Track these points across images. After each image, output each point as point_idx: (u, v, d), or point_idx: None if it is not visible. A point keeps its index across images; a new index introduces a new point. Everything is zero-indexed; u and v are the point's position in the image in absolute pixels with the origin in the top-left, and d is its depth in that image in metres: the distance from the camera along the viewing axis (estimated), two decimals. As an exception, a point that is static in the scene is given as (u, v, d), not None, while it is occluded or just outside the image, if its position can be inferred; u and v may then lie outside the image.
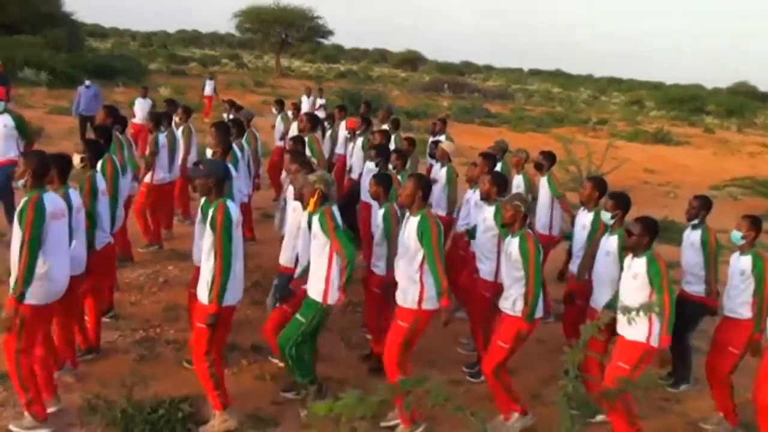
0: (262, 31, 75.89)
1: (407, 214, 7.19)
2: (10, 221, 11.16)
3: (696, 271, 8.39)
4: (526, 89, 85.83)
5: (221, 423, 6.64)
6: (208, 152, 10.51)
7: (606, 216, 7.76)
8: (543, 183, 10.95)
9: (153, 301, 9.81)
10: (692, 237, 8.56)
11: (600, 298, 7.58)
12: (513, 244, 7.14)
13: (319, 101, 23.37)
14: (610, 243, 7.75)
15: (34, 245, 6.04)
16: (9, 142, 11.20)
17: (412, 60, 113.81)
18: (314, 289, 7.12)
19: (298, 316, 7.14)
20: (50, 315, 6.69)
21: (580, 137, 32.84)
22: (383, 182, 8.34)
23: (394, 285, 7.37)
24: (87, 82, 20.98)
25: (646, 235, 6.78)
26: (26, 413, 6.39)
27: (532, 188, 10.88)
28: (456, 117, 37.82)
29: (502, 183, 8.58)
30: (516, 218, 7.15)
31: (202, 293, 6.58)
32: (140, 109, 19.33)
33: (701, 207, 8.64)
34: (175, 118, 13.54)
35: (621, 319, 6.56)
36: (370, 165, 10.94)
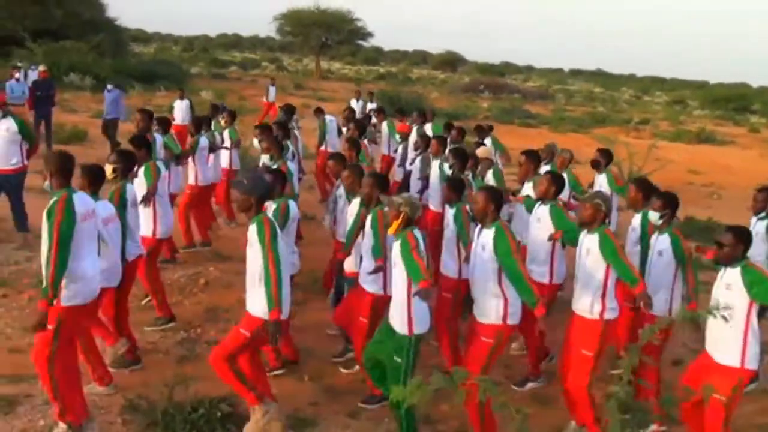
0: (302, 34, 76.19)
1: (479, 226, 6.92)
2: (20, 229, 11.39)
3: (762, 260, 8.13)
4: (567, 89, 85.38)
5: (263, 416, 6.51)
6: (264, 157, 10.64)
7: (654, 216, 7.58)
8: (602, 181, 11.19)
9: (194, 302, 9.89)
10: (758, 227, 8.71)
11: (656, 300, 7.10)
12: (591, 241, 6.94)
13: (370, 105, 22.39)
14: (661, 242, 7.61)
15: (64, 246, 5.98)
16: (13, 147, 11.27)
17: (451, 61, 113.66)
18: (397, 321, 6.70)
19: (394, 357, 6.67)
20: (87, 317, 6.62)
21: (622, 138, 32.53)
22: (457, 187, 8.53)
23: (465, 289, 7.45)
24: (109, 86, 20.66)
25: (740, 245, 6.35)
26: (60, 423, 6.29)
27: (576, 187, 10.95)
28: (496, 118, 37.64)
29: (560, 183, 8.50)
30: (596, 217, 6.96)
31: (250, 302, 6.46)
32: (179, 110, 19.78)
33: (766, 200, 8.87)
34: (221, 121, 13.93)
35: (711, 338, 6.45)
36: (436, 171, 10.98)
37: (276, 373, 7.87)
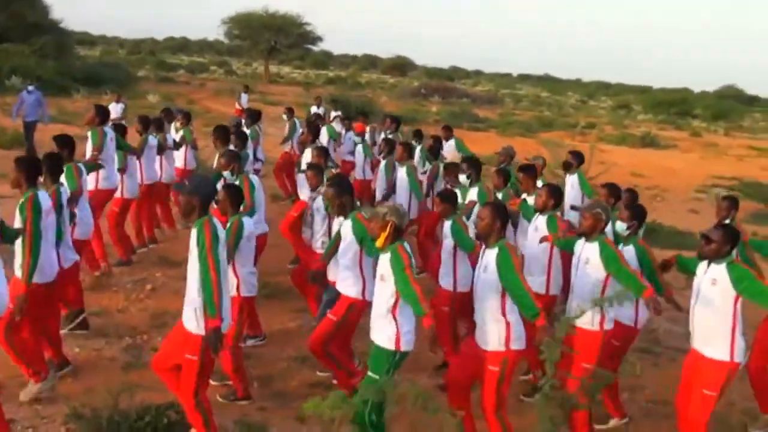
0: (250, 37, 75.66)
1: (483, 246, 6.55)
2: None
3: None
4: (515, 94, 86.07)
5: None
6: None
7: (621, 227, 7.54)
8: (572, 181, 11.35)
9: (140, 308, 9.80)
10: None
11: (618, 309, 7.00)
12: (591, 250, 6.86)
13: (334, 113, 21.83)
14: (625, 253, 7.47)
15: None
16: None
17: (401, 65, 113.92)
18: (382, 336, 6.37)
19: (369, 373, 6.40)
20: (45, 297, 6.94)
21: (568, 141, 32.82)
22: (449, 200, 8.52)
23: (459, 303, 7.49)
24: (30, 87, 20.31)
25: (727, 244, 6.38)
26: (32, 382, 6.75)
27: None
28: (444, 122, 37.51)
29: (558, 195, 8.48)
30: (596, 227, 6.90)
31: (187, 317, 6.13)
32: (114, 113, 19.47)
33: (730, 208, 8.96)
34: (176, 123, 14.23)
35: (698, 335, 6.50)
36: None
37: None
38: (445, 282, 8.38)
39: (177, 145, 13.60)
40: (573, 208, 10.42)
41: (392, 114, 19.10)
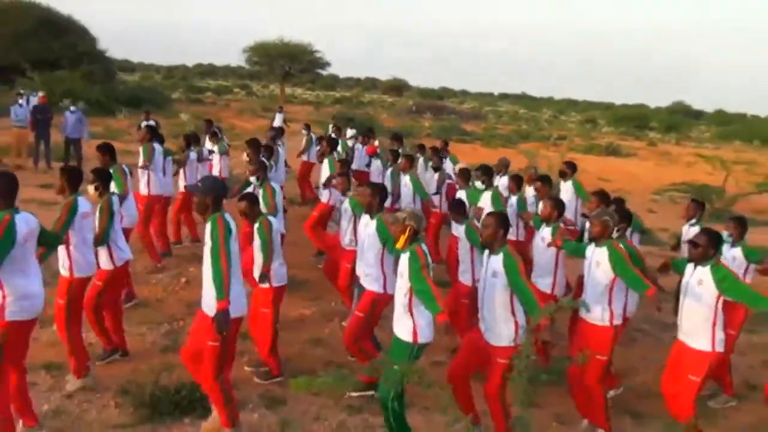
0: (268, 63, 75.71)
1: (487, 252, 6.35)
2: None
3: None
4: (496, 110, 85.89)
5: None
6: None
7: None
8: (567, 187, 11.28)
9: (176, 299, 9.83)
10: (691, 232, 8.82)
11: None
12: (600, 254, 6.68)
13: (350, 131, 21.11)
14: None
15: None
16: None
17: (398, 87, 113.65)
18: (402, 330, 6.20)
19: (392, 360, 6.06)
20: (29, 332, 5.91)
21: (543, 151, 32.79)
22: (460, 209, 8.58)
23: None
24: (72, 108, 20.36)
25: (711, 247, 6.32)
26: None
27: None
28: (436, 135, 37.68)
29: (561, 207, 8.37)
30: (604, 232, 6.72)
31: (207, 306, 6.00)
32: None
33: (697, 209, 9.30)
34: (210, 137, 14.75)
35: (685, 328, 6.45)
36: (461, 193, 10.71)
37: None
38: (465, 278, 8.37)
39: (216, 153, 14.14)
40: (584, 215, 10.46)
41: (397, 132, 19.03)
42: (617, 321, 6.70)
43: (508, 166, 12.72)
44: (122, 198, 8.64)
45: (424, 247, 6.15)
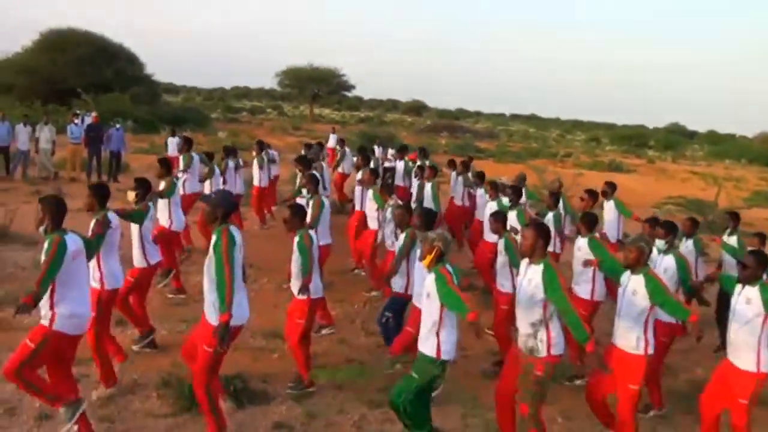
0: (298, 86, 76.20)
1: (526, 261, 5.94)
2: None
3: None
4: (508, 130, 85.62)
5: None
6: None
7: (660, 243, 7.54)
8: (610, 206, 11.58)
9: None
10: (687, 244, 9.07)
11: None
12: (637, 281, 6.10)
13: (391, 151, 20.76)
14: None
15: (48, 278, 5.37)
16: None
17: (417, 108, 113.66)
18: (427, 346, 5.91)
19: (412, 372, 5.94)
20: (69, 347, 5.79)
21: (551, 167, 32.79)
22: (502, 220, 8.45)
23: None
24: (117, 126, 20.86)
25: (760, 267, 6.01)
26: (60, 409, 5.70)
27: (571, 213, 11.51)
28: (452, 152, 37.72)
29: (592, 220, 8.24)
30: (640, 260, 6.13)
31: (210, 314, 5.78)
32: (171, 145, 20.24)
33: (693, 226, 9.23)
34: (253, 153, 15.48)
35: (732, 347, 6.08)
36: (492, 204, 10.92)
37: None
38: (505, 288, 8.12)
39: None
40: (620, 242, 10.62)
41: (423, 147, 19.24)
42: (651, 350, 6.11)
43: (525, 180, 13.00)
44: (162, 196, 9.78)
45: (448, 266, 5.93)
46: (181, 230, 10.68)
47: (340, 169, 18.06)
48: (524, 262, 5.99)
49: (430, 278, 5.87)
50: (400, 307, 7.96)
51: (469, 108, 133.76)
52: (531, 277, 5.78)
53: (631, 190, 27.95)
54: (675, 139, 74.28)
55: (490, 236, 10.44)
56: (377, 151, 18.40)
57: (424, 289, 5.99)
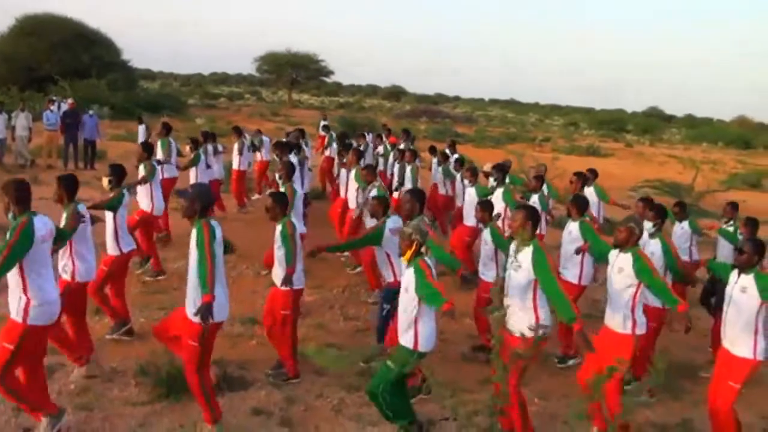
0: (276, 72, 76.04)
1: (515, 242, 5.99)
2: None
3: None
4: (487, 114, 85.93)
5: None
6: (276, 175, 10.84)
7: (648, 225, 7.50)
8: (590, 192, 11.64)
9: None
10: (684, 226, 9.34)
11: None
12: (624, 260, 6.21)
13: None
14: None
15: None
16: None
17: (396, 93, 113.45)
18: (405, 338, 5.85)
19: (388, 362, 5.88)
20: (46, 337, 5.82)
21: (529, 152, 32.93)
22: (489, 208, 8.36)
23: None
24: (90, 112, 20.80)
25: (756, 254, 5.95)
26: (42, 419, 5.64)
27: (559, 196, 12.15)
28: (431, 137, 37.79)
29: (583, 203, 8.30)
30: (630, 239, 6.24)
31: (190, 309, 5.74)
32: (140, 132, 20.47)
33: (682, 209, 9.54)
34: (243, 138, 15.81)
35: (728, 335, 6.04)
36: (471, 190, 11.05)
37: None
38: (488, 276, 8.10)
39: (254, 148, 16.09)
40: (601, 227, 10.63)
41: (406, 129, 19.55)
42: (639, 330, 6.20)
43: (510, 166, 13.07)
44: (143, 182, 9.97)
45: (427, 260, 5.83)
46: (161, 215, 10.66)
47: (327, 153, 18.20)
48: (513, 245, 6.03)
49: (410, 272, 5.79)
50: (393, 296, 7.93)
51: (448, 93, 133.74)
52: (521, 259, 5.82)
53: (609, 174, 28.07)
54: (653, 123, 75.11)
55: (470, 220, 10.68)
56: (368, 137, 18.33)
57: (403, 282, 5.89)
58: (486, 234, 8.16)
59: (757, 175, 30.95)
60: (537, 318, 5.78)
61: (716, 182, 25.58)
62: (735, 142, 57.24)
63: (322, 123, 25.97)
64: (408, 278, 5.79)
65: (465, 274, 7.29)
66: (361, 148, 14.67)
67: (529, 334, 5.68)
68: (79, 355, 6.82)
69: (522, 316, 5.79)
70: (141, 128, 20.58)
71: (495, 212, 8.73)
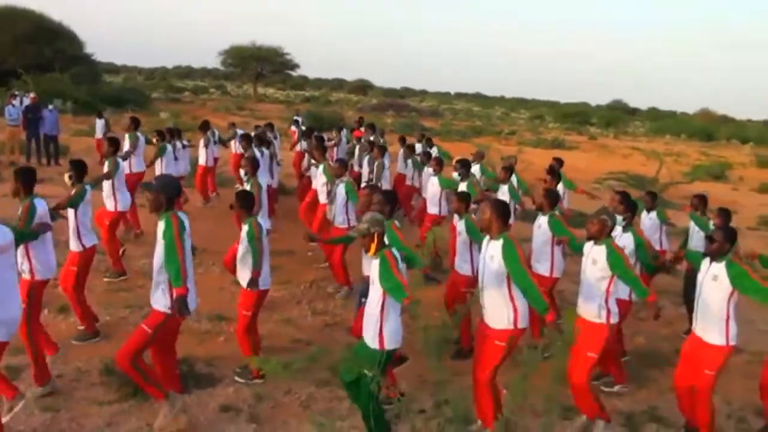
0: (241, 65, 75.43)
1: (487, 237, 6.02)
2: None
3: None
4: (453, 108, 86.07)
5: (169, 411, 5.92)
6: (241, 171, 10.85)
7: (618, 219, 7.43)
8: (559, 187, 11.50)
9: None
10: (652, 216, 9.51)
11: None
12: (598, 252, 6.28)
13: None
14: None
15: None
16: None
17: (362, 87, 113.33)
18: (370, 336, 5.65)
19: (365, 371, 5.45)
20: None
21: (495, 145, 33.14)
22: (465, 199, 8.33)
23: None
24: (50, 107, 20.48)
25: (727, 243, 6.01)
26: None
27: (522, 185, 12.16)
28: (398, 131, 37.76)
29: (554, 197, 8.32)
30: (603, 231, 6.31)
31: (159, 300, 5.72)
32: (98, 127, 20.47)
33: (653, 200, 9.67)
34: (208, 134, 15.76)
35: (700, 322, 6.12)
36: (434, 179, 11.60)
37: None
38: (463, 269, 8.08)
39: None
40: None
41: (371, 123, 19.51)
42: (614, 319, 6.31)
43: (483, 157, 13.58)
44: (108, 177, 9.76)
45: (393, 251, 5.65)
46: (127, 210, 10.51)
47: (298, 148, 18.07)
48: (486, 238, 6.06)
49: (375, 263, 5.62)
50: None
51: (415, 87, 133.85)
52: (492, 252, 5.85)
53: (574, 166, 28.34)
54: (617, 116, 75.86)
55: (433, 208, 11.26)
56: (343, 132, 18.35)
57: (371, 275, 5.72)
58: (461, 225, 8.16)
59: (720, 167, 31.44)
60: (515, 309, 5.80)
61: (680, 174, 25.91)
62: (698, 134, 58.08)
63: (294, 118, 26.01)
64: (374, 270, 5.63)
65: (429, 273, 7.20)
66: (333, 142, 14.81)
67: (506, 325, 5.75)
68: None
69: (499, 308, 5.81)
70: (99, 123, 20.40)
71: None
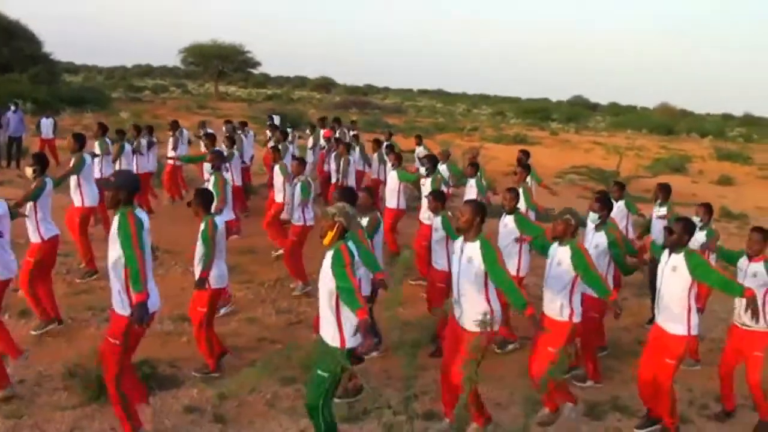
0: (202, 63, 74.71)
1: (462, 238, 5.98)
2: None
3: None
4: (416, 105, 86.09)
5: None
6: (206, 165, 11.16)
7: (593, 216, 7.46)
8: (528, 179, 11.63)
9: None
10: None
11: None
12: (563, 252, 6.35)
13: (352, 132, 20.13)
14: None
15: None
16: None
17: (325, 84, 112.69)
18: (328, 335, 5.40)
19: (318, 371, 5.29)
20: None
21: (458, 141, 33.28)
22: (440, 198, 8.37)
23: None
24: (13, 107, 19.83)
25: (686, 234, 6.10)
26: None
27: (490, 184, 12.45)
28: (362, 129, 37.74)
29: (517, 197, 8.28)
30: (567, 231, 6.37)
31: (117, 304, 5.49)
32: (44, 126, 19.94)
33: (620, 190, 9.90)
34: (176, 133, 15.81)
35: (662, 313, 6.21)
36: (393, 173, 11.71)
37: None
38: (440, 264, 8.08)
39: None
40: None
41: (337, 117, 20.00)
42: (576, 318, 6.38)
43: (449, 155, 13.76)
44: (76, 172, 9.58)
45: (350, 245, 5.37)
46: (96, 205, 10.29)
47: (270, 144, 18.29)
48: (459, 240, 6.04)
49: (329, 255, 5.33)
50: None
51: (378, 84, 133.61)
52: (470, 254, 5.83)
53: (535, 161, 28.61)
54: (578, 112, 76.40)
55: (391, 202, 11.48)
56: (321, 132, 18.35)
57: (323, 268, 5.38)
58: (437, 222, 8.21)
59: (679, 160, 31.92)
60: (491, 310, 5.78)
61: (641, 168, 26.28)
62: (658, 128, 58.71)
63: (275, 117, 25.95)
64: (327, 260, 5.34)
65: (384, 279, 6.89)
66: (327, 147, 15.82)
67: (483, 326, 5.62)
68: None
69: (477, 308, 5.74)
70: (45, 122, 19.87)
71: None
